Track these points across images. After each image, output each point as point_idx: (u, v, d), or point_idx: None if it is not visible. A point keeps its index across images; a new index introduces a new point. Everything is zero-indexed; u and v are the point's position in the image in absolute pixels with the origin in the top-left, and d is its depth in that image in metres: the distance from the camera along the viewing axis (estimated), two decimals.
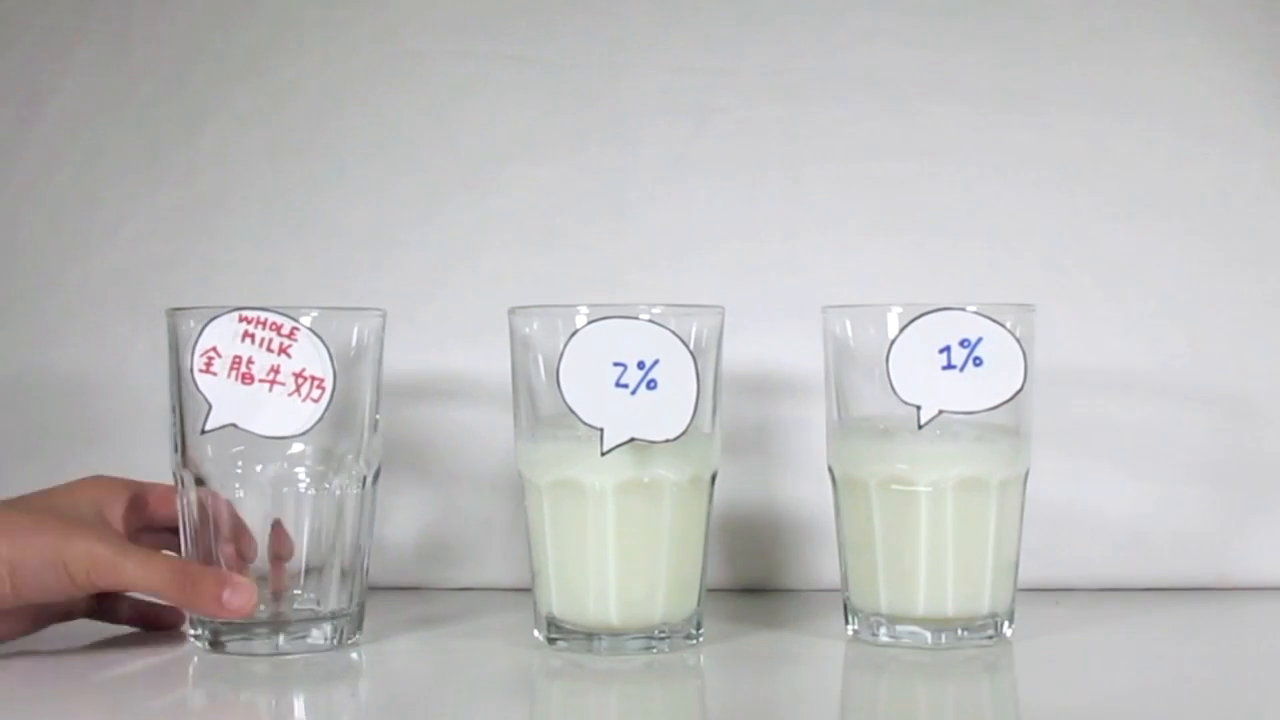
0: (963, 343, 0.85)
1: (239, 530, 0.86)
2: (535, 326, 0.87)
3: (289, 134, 1.06)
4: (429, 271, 1.04)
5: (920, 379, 0.85)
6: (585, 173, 1.05)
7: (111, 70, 1.06)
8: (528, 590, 0.89)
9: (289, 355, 0.84)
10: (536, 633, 0.88)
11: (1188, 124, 1.04)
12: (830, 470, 0.90)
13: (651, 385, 0.83)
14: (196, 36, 1.06)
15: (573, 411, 0.83)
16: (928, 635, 0.87)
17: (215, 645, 0.86)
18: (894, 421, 0.86)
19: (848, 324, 0.89)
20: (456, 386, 1.04)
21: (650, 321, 0.84)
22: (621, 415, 0.83)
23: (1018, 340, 0.86)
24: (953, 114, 1.04)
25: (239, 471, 0.85)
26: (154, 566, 0.83)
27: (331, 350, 0.84)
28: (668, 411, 0.84)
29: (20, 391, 1.04)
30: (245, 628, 0.85)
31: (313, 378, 0.84)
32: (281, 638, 0.86)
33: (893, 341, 0.85)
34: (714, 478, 0.88)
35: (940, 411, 0.85)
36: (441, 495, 1.04)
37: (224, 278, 1.05)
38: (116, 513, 0.87)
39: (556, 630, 0.87)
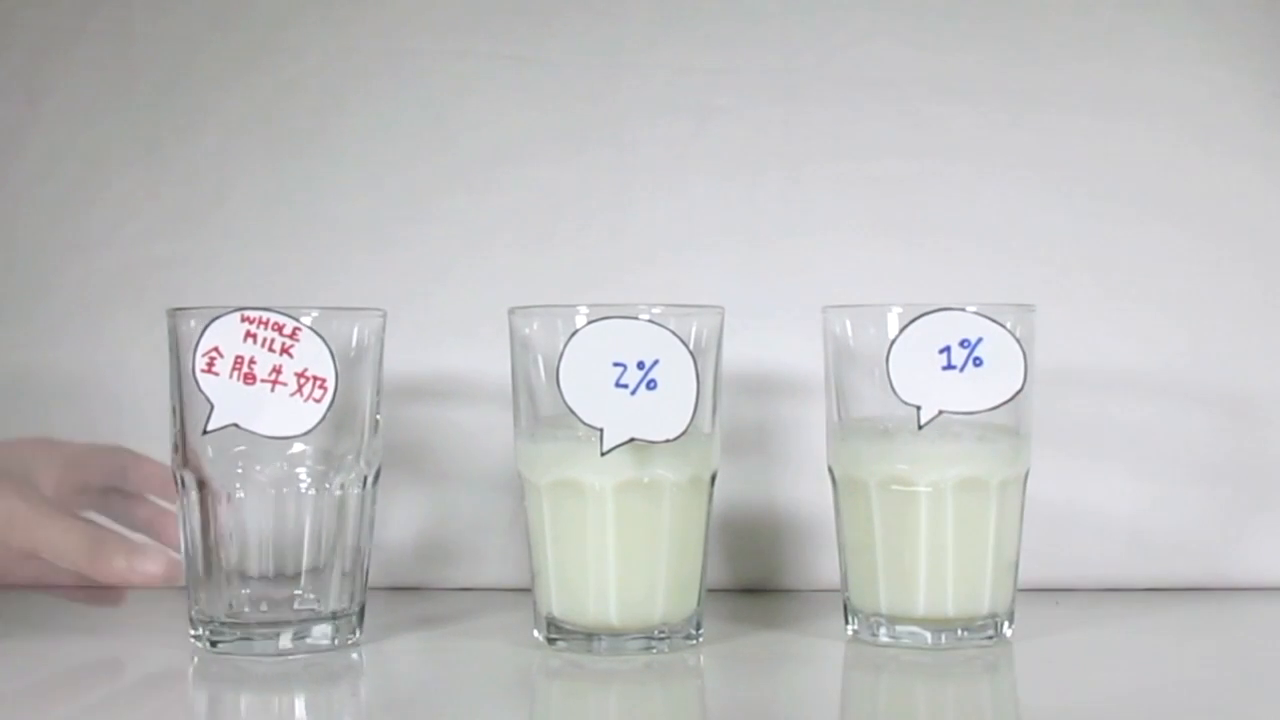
0: (963, 343, 0.85)
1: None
2: (535, 326, 0.87)
3: (289, 134, 1.06)
4: (429, 271, 1.04)
5: (920, 379, 0.85)
6: (585, 173, 1.05)
7: (111, 70, 1.06)
8: (527, 590, 0.89)
9: (291, 355, 0.84)
10: (536, 633, 0.88)
11: (1188, 124, 1.04)
12: (830, 470, 0.90)
13: (651, 385, 0.83)
14: (196, 36, 1.06)
15: (573, 412, 0.83)
16: (928, 635, 0.87)
17: (215, 645, 0.86)
18: (894, 422, 0.86)
19: (848, 324, 0.89)
20: (456, 386, 1.03)
21: (650, 321, 0.84)
22: (621, 415, 0.83)
23: (1018, 340, 0.86)
24: (953, 114, 1.04)
25: (239, 472, 0.85)
26: (68, 531, 0.84)
27: (333, 350, 0.84)
28: (667, 411, 0.84)
29: (20, 391, 1.04)
30: (245, 628, 0.86)
31: (315, 378, 0.84)
32: (282, 638, 0.86)
33: (893, 341, 0.86)
34: (714, 478, 0.88)
35: (940, 412, 0.85)
36: (441, 495, 1.04)
37: (224, 277, 1.05)
38: (50, 475, 0.87)
39: (556, 630, 0.87)
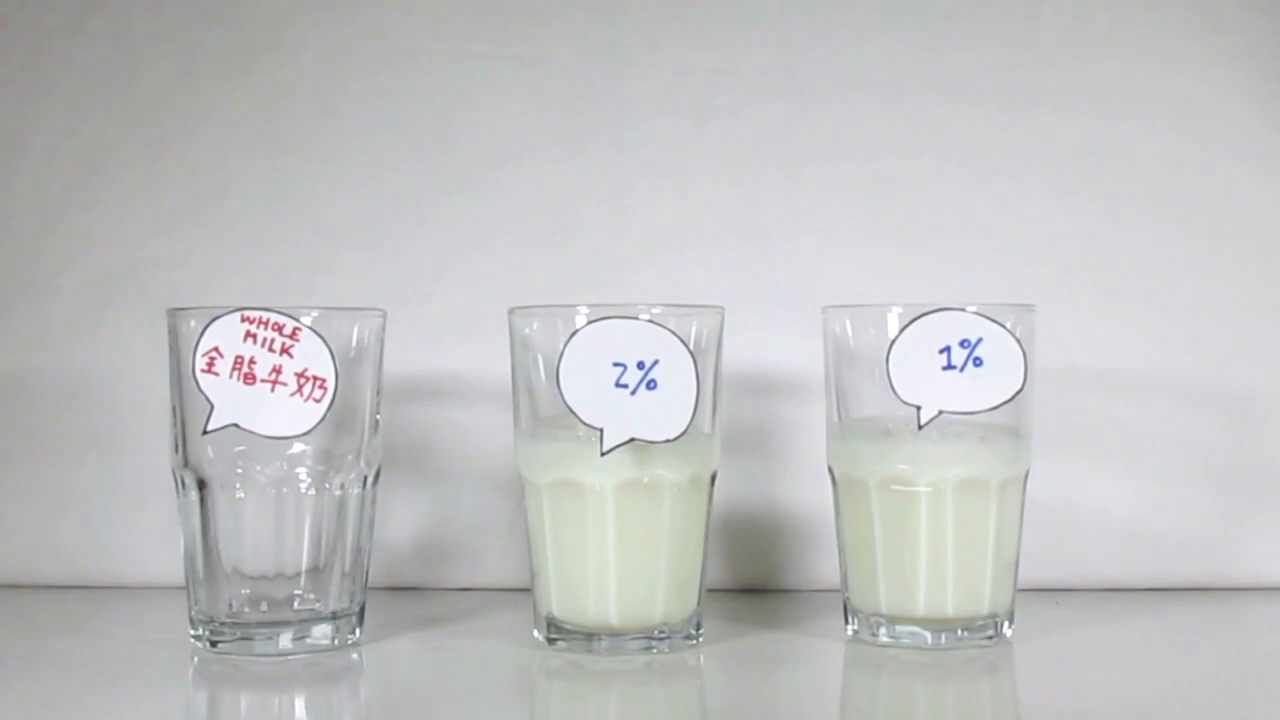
0: (963, 343, 0.85)
1: None
2: (535, 326, 0.87)
3: (289, 133, 1.06)
4: (429, 271, 1.04)
5: (920, 379, 0.85)
6: (585, 173, 1.05)
7: (111, 70, 1.06)
8: (527, 590, 0.89)
9: (291, 355, 0.84)
10: (536, 633, 0.88)
11: (1188, 124, 1.04)
12: (830, 470, 0.90)
13: (651, 385, 0.83)
14: (196, 36, 1.06)
15: (572, 411, 0.83)
16: (928, 635, 0.87)
17: (215, 645, 0.86)
18: (894, 422, 0.86)
19: (848, 324, 0.89)
20: (456, 386, 1.03)
21: (650, 321, 0.84)
22: (621, 415, 0.83)
23: (1018, 340, 0.86)
24: (953, 114, 1.04)
25: (239, 472, 0.85)
26: None
27: (333, 350, 0.84)
28: (667, 411, 0.84)
29: (20, 391, 1.04)
30: (245, 628, 0.86)
31: (315, 378, 0.84)
32: (282, 638, 0.86)
33: (893, 341, 0.86)
34: (714, 478, 0.88)
35: (940, 412, 0.85)
36: (441, 495, 1.04)
37: (223, 277, 1.04)
38: None
39: (556, 630, 0.87)
